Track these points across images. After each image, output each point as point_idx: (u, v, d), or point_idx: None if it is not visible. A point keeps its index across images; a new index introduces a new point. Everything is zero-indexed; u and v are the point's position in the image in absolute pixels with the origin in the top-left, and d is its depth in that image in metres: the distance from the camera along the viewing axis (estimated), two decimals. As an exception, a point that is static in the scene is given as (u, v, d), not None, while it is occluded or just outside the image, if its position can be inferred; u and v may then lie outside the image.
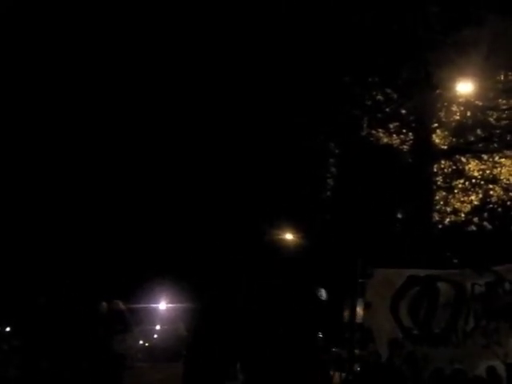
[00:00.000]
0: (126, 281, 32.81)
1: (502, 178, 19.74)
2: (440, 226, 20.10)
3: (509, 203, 19.75)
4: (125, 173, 28.06)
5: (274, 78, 19.82)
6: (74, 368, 15.61)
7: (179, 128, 23.31)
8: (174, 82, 22.28)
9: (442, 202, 20.18)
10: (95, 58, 23.88)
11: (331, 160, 20.74)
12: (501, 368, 10.60)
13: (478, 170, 19.95)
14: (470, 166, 20.07)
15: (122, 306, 16.59)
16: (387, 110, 20.24)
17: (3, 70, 23.18)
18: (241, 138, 21.34)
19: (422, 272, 12.88)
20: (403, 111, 20.13)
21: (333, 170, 20.92)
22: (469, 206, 20.05)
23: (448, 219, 20.13)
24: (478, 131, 19.53)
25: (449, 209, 20.17)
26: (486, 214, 19.98)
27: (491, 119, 19.34)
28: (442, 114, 19.68)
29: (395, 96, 19.99)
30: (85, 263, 33.46)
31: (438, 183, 20.24)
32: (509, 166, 19.66)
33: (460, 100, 19.36)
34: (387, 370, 11.20)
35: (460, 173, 20.18)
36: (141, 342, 44.78)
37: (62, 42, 23.69)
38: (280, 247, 28.31)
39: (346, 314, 28.92)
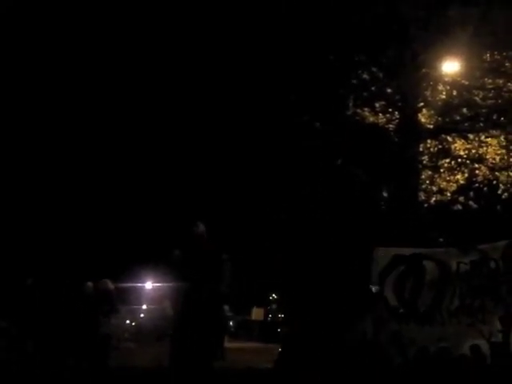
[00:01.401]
0: (111, 260, 32.85)
1: (487, 157, 19.78)
2: (426, 205, 20.15)
3: (494, 182, 19.82)
4: (114, 158, 28.03)
5: (259, 56, 19.74)
6: (60, 349, 15.61)
7: (170, 110, 23.30)
8: (166, 73, 22.27)
9: (427, 182, 20.23)
10: (95, 57, 23.83)
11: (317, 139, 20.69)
12: (485, 346, 10.67)
13: (464, 150, 19.97)
14: (455, 145, 20.08)
15: (110, 285, 16.51)
16: (373, 88, 20.22)
17: (3, 70, 23.12)
18: (226, 122, 21.34)
19: (407, 251, 12.93)
20: (389, 90, 20.12)
21: (318, 149, 20.87)
22: (455, 185, 20.10)
23: (434, 198, 20.19)
24: (464, 110, 19.53)
25: (435, 188, 20.22)
26: (471, 194, 20.07)
27: (477, 98, 19.33)
28: (427, 93, 19.67)
29: (381, 75, 19.97)
30: (71, 243, 33.46)
31: (424, 162, 20.26)
32: (495, 146, 19.70)
33: (446, 79, 19.36)
34: (372, 349, 11.26)
35: (446, 152, 20.20)
36: (127, 321, 44.86)
37: (62, 41, 23.62)
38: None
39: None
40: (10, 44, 22.65)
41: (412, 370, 10.65)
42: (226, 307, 32.19)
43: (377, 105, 20.28)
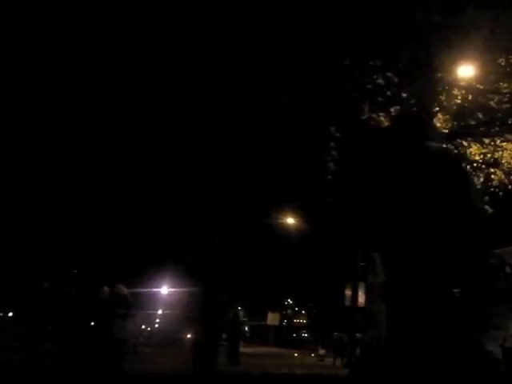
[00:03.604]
0: (128, 265, 32.93)
1: (503, 161, 19.74)
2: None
3: (510, 187, 19.76)
4: (128, 160, 28.11)
5: (274, 61, 19.74)
6: (76, 353, 15.66)
7: (179, 110, 23.30)
8: (171, 73, 22.29)
9: (443, 186, 20.15)
10: (95, 57, 23.88)
11: (332, 144, 20.68)
12: (498, 352, 10.59)
13: (480, 154, 19.93)
14: (471, 149, 20.05)
15: (125, 290, 16.61)
16: (388, 93, 20.15)
17: (3, 70, 23.24)
18: (242, 121, 21.29)
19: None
20: (404, 95, 20.05)
21: (334, 153, 20.88)
22: (470, 189, 20.05)
23: (450, 203, 20.11)
24: (480, 115, 19.45)
25: (450, 192, 20.15)
26: (487, 198, 20.00)
27: (492, 103, 19.26)
28: (442, 98, 19.60)
29: (396, 79, 19.90)
30: (88, 247, 33.60)
31: (440, 167, 20.18)
32: (510, 150, 19.63)
33: (461, 83, 19.28)
34: (387, 353, 11.22)
35: (461, 157, 20.15)
36: (143, 326, 44.98)
37: (61, 41, 23.69)
38: (281, 231, 28.34)
39: (347, 297, 29.06)
40: (10, 44, 22.76)
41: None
42: (241, 312, 32.29)
43: (392, 109, 20.24)
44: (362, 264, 24.44)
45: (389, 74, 19.96)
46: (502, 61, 18.78)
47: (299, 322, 61.07)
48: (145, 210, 31.45)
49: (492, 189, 19.91)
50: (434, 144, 4.76)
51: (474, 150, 19.94)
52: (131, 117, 24.91)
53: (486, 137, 19.73)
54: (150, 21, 21.51)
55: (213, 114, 21.73)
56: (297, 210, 25.86)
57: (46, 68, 24.57)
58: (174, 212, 29.48)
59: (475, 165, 19.98)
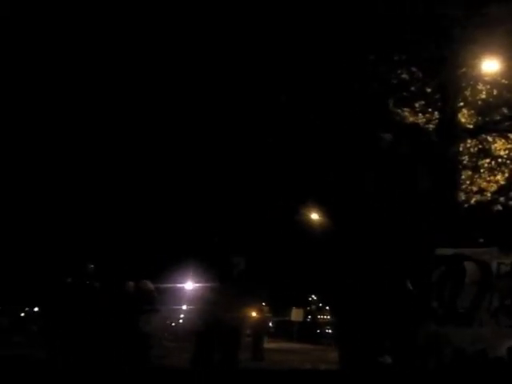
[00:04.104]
0: (153, 260, 33.09)
1: (528, 157, 19.68)
2: (466, 206, 20.02)
3: (535, 182, 19.68)
4: (155, 153, 28.18)
5: (297, 54, 19.71)
6: (100, 348, 15.75)
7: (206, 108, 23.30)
8: (176, 72, 22.30)
9: (468, 182, 20.10)
10: (95, 57, 23.97)
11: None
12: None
13: (505, 150, 19.83)
14: (496, 145, 19.95)
15: (150, 285, 16.71)
16: (413, 88, 20.10)
17: (3, 70, 23.39)
18: (265, 118, 21.27)
19: (448, 251, 12.90)
20: (429, 90, 19.99)
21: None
22: (495, 185, 19.96)
23: (474, 199, 20.05)
24: (505, 110, 19.35)
25: (475, 188, 20.09)
26: (511, 194, 19.91)
27: (517, 98, 19.19)
28: (467, 93, 19.51)
29: (420, 74, 19.84)
30: (112, 242, 33.79)
31: (464, 162, 20.12)
32: (535, 146, 19.59)
33: (486, 78, 19.17)
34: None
35: (486, 152, 20.06)
36: (168, 321, 45.10)
37: (61, 41, 23.79)
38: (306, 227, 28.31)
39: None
40: (10, 44, 22.89)
41: (447, 372, 10.60)
42: (266, 308, 32.35)
43: (416, 105, 20.17)
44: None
45: (413, 69, 19.91)
46: (527, 56, 18.66)
47: (323, 318, 60.97)
48: (169, 206, 31.56)
49: (517, 184, 19.83)
50: (387, 135, 4.77)
51: (499, 146, 19.85)
52: (135, 117, 24.96)
53: (510, 132, 19.64)
54: (150, 20, 21.55)
55: (215, 111, 21.73)
56: (321, 206, 25.81)
57: (46, 68, 24.70)
58: (183, 211, 29.53)
59: (500, 160, 19.89)
